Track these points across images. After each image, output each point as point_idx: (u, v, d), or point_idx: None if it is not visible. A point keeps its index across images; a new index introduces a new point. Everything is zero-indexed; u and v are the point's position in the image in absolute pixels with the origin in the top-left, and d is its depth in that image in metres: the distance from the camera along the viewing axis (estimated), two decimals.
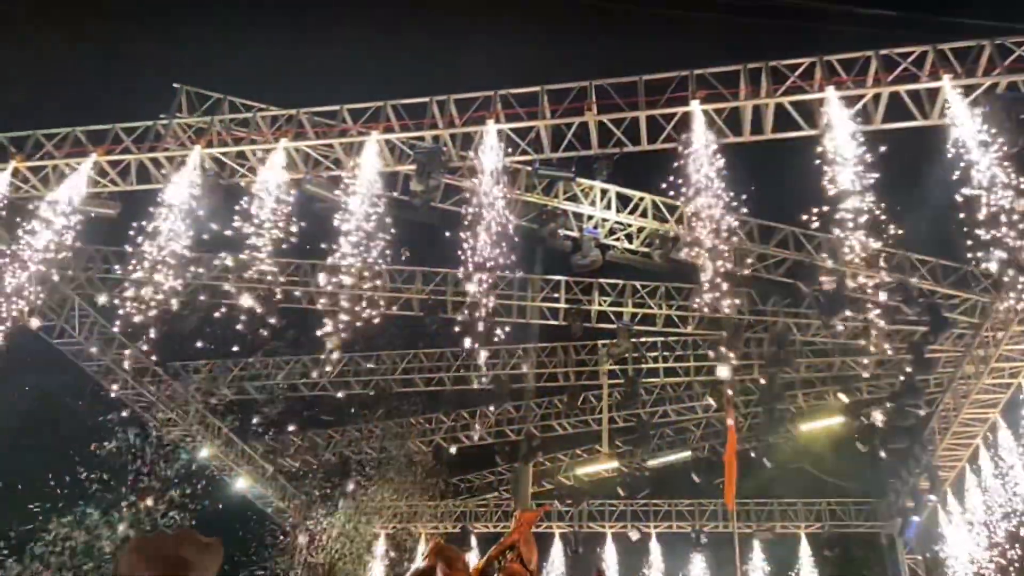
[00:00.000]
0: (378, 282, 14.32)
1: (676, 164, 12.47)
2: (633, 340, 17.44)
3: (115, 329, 16.43)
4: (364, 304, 13.95)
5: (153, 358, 17.99)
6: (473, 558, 16.35)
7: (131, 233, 13.48)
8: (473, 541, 22.19)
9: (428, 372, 19.68)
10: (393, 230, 13.64)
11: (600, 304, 16.94)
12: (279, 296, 14.25)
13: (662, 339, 18.45)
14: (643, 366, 18.72)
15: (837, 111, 12.04)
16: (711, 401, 19.32)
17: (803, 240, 14.76)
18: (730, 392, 17.36)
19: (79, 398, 20.94)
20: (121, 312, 13.65)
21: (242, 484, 22.11)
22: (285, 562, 23.48)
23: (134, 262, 13.37)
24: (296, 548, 23.69)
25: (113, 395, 18.52)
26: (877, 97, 12.24)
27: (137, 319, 13.43)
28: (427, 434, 21.86)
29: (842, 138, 11.89)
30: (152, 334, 14.28)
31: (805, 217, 13.13)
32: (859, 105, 12.23)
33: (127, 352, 17.64)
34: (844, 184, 11.76)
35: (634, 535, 22.17)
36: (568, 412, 20.84)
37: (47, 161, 14.14)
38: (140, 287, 13.28)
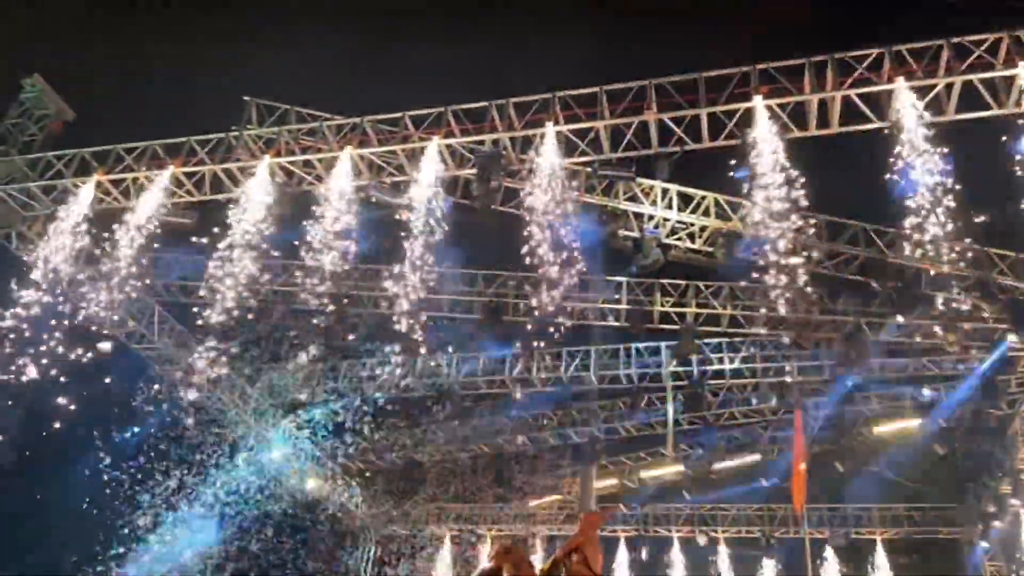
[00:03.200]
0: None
1: (739, 161, 12.29)
2: (697, 341, 17.21)
3: (190, 334, 17.11)
4: (426, 307, 14.18)
5: (225, 362, 18.60)
6: (538, 560, 16.40)
7: (207, 241, 14.09)
8: (538, 543, 22.25)
9: (491, 374, 19.82)
10: (454, 234, 13.87)
11: (662, 305, 16.77)
12: (348, 301, 14.60)
13: (727, 339, 18.15)
14: (708, 367, 18.44)
15: (907, 102, 11.68)
16: (779, 403, 18.91)
17: (874, 236, 14.34)
18: (799, 394, 16.97)
19: (156, 401, 21.90)
20: (199, 321, 14.25)
21: (312, 485, 22.68)
22: (354, 564, 23.99)
23: (210, 270, 13.90)
24: (364, 549, 24.20)
25: (189, 398, 19.28)
26: (949, 87, 11.82)
27: (213, 324, 14.00)
28: (491, 436, 21.97)
29: (913, 130, 11.53)
30: (227, 339, 14.84)
31: (876, 213, 12.80)
32: (931, 95, 11.85)
33: (202, 356, 18.33)
34: (917, 177, 11.40)
35: (701, 540, 21.86)
36: (631, 415, 20.68)
37: (127, 174, 14.84)
38: (215, 293, 13.83)
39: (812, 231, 14.06)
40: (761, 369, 18.57)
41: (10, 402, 13.95)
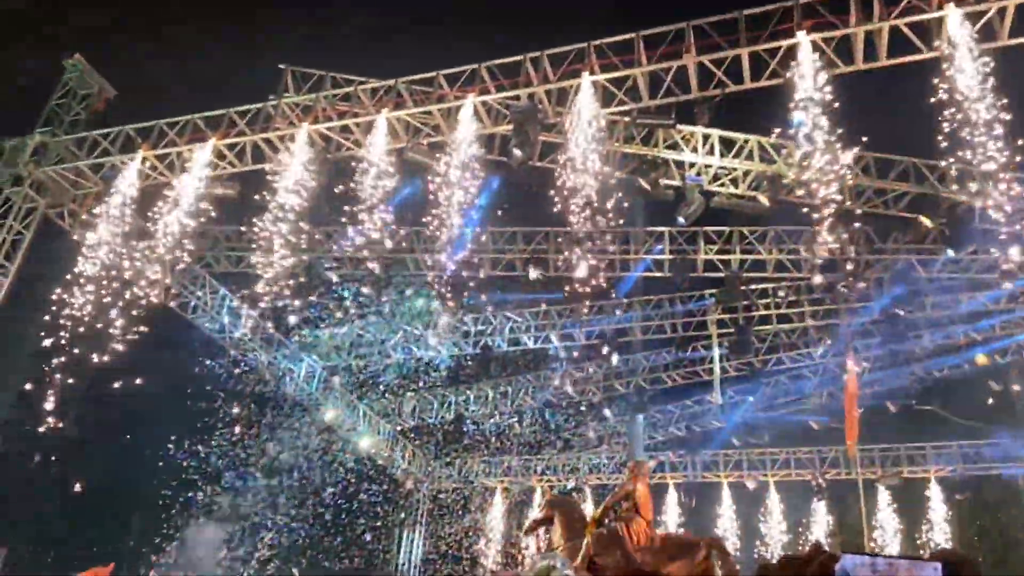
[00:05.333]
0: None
1: (783, 101, 11.98)
2: (742, 287, 17.06)
3: (241, 302, 17.56)
4: (471, 266, 14.29)
5: (271, 326, 19.06)
6: (587, 509, 16.67)
7: (251, 211, 14.33)
8: (587, 492, 22.63)
9: (535, 330, 19.98)
10: (492, 192, 13.87)
11: (706, 253, 16.62)
12: (390, 263, 14.77)
13: (773, 285, 17.95)
14: (754, 314, 18.30)
15: (958, 29, 11.20)
16: (828, 345, 18.74)
17: (925, 172, 13.93)
18: (850, 335, 16.76)
19: (213, 368, 22.63)
20: (246, 292, 14.58)
21: (365, 444, 23.31)
22: (409, 517, 24.72)
23: (256, 238, 14.14)
24: (419, 504, 24.89)
25: (244, 363, 19.88)
26: (1002, 10, 11.30)
27: (262, 291, 14.31)
28: (536, 391, 22.23)
29: (964, 58, 11.08)
30: (276, 305, 15.17)
31: (926, 147, 12.40)
32: (983, 21, 11.35)
33: (254, 322, 18.83)
34: (969, 108, 10.99)
35: (751, 484, 21.99)
36: (677, 364, 20.70)
37: (171, 148, 15.08)
38: (263, 261, 14.10)
39: (860, 169, 13.74)
40: (809, 313, 18.38)
41: (77, 379, 14.46)
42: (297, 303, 16.81)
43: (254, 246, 14.34)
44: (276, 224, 13.80)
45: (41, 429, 14.78)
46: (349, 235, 14.12)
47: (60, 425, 14.66)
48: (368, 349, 20.20)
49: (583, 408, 22.19)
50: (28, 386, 15.34)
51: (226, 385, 20.91)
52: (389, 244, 14.18)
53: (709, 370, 19.92)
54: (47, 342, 14.28)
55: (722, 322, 18.73)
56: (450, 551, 24.53)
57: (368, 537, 26.70)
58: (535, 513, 16.37)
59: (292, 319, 18.21)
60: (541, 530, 10.21)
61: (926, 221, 13.97)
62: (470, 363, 20.60)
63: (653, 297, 19.17)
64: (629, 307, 19.22)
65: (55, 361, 14.16)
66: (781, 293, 18.09)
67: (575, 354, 20.00)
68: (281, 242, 13.86)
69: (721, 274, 16.73)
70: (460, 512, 25.08)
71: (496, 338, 19.94)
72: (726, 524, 21.88)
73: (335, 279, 15.96)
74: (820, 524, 22.02)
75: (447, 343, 19.41)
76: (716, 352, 19.09)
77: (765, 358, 19.70)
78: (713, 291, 18.11)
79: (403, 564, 24.29)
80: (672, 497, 22.47)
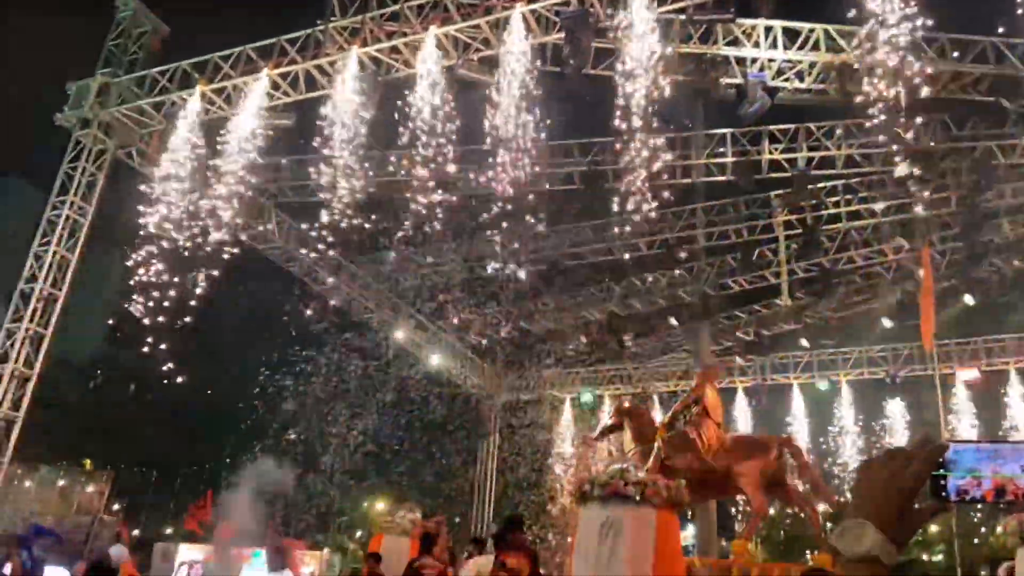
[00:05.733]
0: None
1: None
2: (810, 186, 16.53)
3: (309, 229, 17.97)
4: (528, 181, 14.19)
5: (338, 252, 19.48)
6: (656, 416, 16.93)
7: (310, 140, 14.50)
8: (655, 399, 22.91)
9: (597, 242, 19.91)
10: (547, 104, 13.60)
11: (771, 152, 16.09)
12: (450, 184, 14.81)
13: (843, 181, 17.32)
14: (823, 213, 17.77)
15: None
16: (902, 241, 18.13)
17: (1005, 51, 12.99)
18: (925, 228, 16.15)
19: (286, 297, 23.47)
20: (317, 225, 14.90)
21: (437, 361, 24.02)
22: (482, 430, 25.61)
23: (317, 166, 14.35)
24: (491, 417, 25.71)
25: (314, 290, 20.55)
26: None
27: (326, 219, 14.62)
28: (601, 302, 22.32)
29: None
30: (342, 231, 15.49)
31: (1007, 24, 11.52)
32: None
33: (320, 249, 19.30)
34: None
35: (822, 384, 21.87)
36: (743, 269, 20.39)
37: (226, 81, 15.25)
38: (325, 189, 14.34)
39: (935, 52, 12.91)
40: (881, 209, 17.73)
41: (160, 312, 15.18)
42: (363, 228, 17.11)
43: (315, 175, 14.57)
44: (335, 151, 13.94)
45: (131, 361, 15.66)
46: (414, 156, 14.16)
47: (148, 355, 15.48)
48: (436, 268, 20.53)
49: (649, 317, 22.21)
50: (113, 321, 16.21)
51: (298, 312, 21.69)
52: (452, 168, 14.18)
53: (776, 273, 19.58)
54: (131, 280, 14.99)
55: (789, 224, 18.27)
56: (523, 461, 25.44)
57: (444, 451, 27.89)
58: (605, 420, 16.73)
59: (358, 244, 18.58)
60: (611, 436, 10.44)
61: (1006, 104, 13.13)
62: (535, 278, 20.74)
63: (716, 202, 18.78)
64: (692, 213, 18.89)
65: (139, 296, 14.83)
66: (852, 189, 17.47)
67: (639, 263, 19.87)
68: (341, 169, 14.03)
69: (787, 174, 16.22)
70: (532, 423, 25.84)
71: (558, 252, 19.96)
72: (797, 426, 21.95)
73: (401, 202, 16.09)
74: (895, 422, 21.89)
75: (512, 258, 19.53)
76: (783, 254, 18.72)
77: (835, 257, 19.21)
78: (779, 192, 17.61)
79: (479, 475, 25.34)
80: (741, 401, 22.56)
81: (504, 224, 15.03)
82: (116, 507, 22.57)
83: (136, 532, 15.89)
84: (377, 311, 21.59)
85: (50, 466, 20.73)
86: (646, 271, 20.74)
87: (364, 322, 22.04)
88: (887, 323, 19.55)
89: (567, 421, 24.79)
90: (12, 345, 14.42)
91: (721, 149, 16.29)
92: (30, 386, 14.50)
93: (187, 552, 18.35)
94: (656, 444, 9.80)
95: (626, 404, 11.32)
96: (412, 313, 22.23)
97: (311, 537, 26.18)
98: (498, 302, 21.66)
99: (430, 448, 28.96)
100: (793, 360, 22.22)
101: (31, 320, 14.64)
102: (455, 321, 22.02)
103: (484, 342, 23.58)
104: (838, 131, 15.69)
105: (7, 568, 11.75)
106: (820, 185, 17.18)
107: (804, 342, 20.89)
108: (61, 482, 20.33)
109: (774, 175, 16.40)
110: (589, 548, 7.66)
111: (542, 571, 10.60)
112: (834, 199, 17.75)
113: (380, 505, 33.67)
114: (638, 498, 7.60)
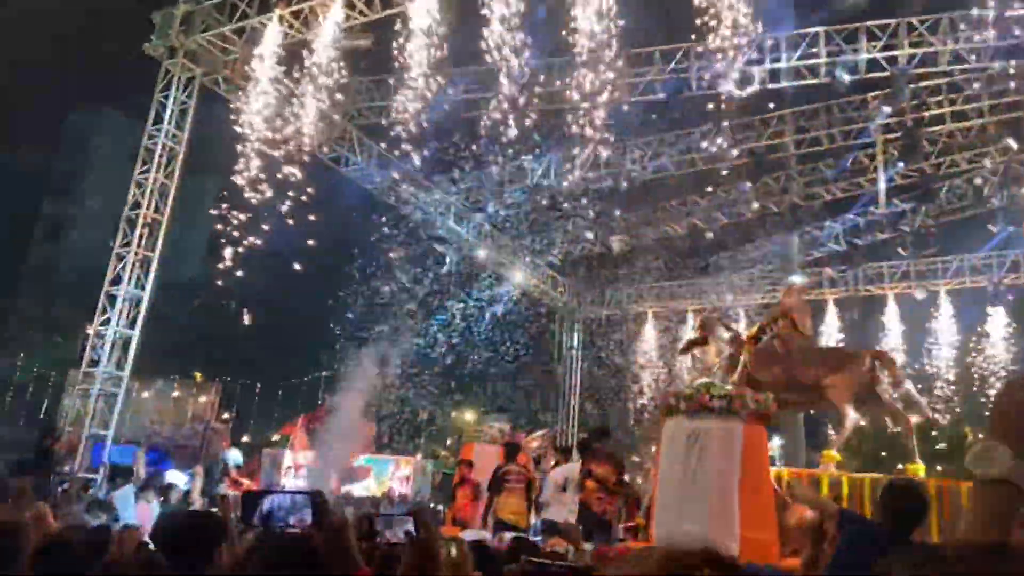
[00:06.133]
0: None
1: None
2: (911, 86, 15.47)
3: (389, 149, 18.20)
4: (609, 93, 13.83)
5: (418, 173, 19.69)
6: (743, 328, 16.75)
7: (387, 60, 14.48)
8: (741, 313, 22.61)
9: (679, 155, 19.35)
10: (626, 10, 13.07)
11: (868, 51, 15.06)
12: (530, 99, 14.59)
13: (947, 80, 16.13)
14: (924, 114, 16.67)
15: None
16: (1011, 143, 16.91)
17: None
18: None
19: (370, 217, 24.03)
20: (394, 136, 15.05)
21: (518, 279, 24.31)
22: (567, 348, 26.00)
23: (395, 86, 14.37)
24: (574, 333, 26.03)
25: (395, 211, 20.98)
26: None
27: (407, 139, 14.74)
28: (685, 216, 21.88)
29: None
30: (422, 151, 15.63)
31: None
32: None
33: (401, 171, 19.57)
34: None
35: (919, 294, 21.03)
36: (836, 176, 19.51)
37: (304, 3, 15.27)
38: (403, 109, 14.39)
39: None
40: (989, 107, 16.50)
41: (254, 233, 15.82)
42: (444, 147, 17.22)
43: (395, 95, 14.61)
44: (414, 69, 13.90)
45: (230, 280, 16.46)
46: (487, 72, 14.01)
47: (245, 275, 16.23)
48: (516, 186, 20.51)
49: (734, 229, 21.70)
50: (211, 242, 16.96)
51: (381, 233, 22.21)
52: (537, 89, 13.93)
53: (873, 180, 18.65)
54: (224, 205, 15.63)
55: (888, 127, 17.25)
56: (607, 375, 25.81)
57: (527, 366, 28.55)
58: (689, 334, 16.69)
59: (439, 164, 18.72)
60: (696, 350, 10.45)
61: None
62: (615, 192, 20.45)
63: (808, 106, 17.85)
64: (781, 119, 18.06)
65: (232, 217, 15.45)
66: (956, 88, 16.27)
67: (723, 174, 19.25)
68: (421, 89, 14.01)
69: (886, 73, 15.21)
70: (614, 338, 26.05)
71: (639, 165, 19.56)
72: (891, 339, 21.29)
73: (482, 119, 16.01)
74: (997, 333, 20.98)
75: (591, 173, 19.29)
76: (880, 159, 17.77)
77: (937, 162, 18.12)
78: (877, 93, 16.57)
79: (563, 388, 25.91)
80: (832, 314, 22.01)
81: (587, 136, 14.77)
82: (225, 416, 24.23)
83: (245, 439, 17.09)
84: (458, 229, 21.86)
85: (165, 379, 22.36)
86: (732, 182, 20.09)
87: (446, 240, 22.38)
88: (992, 229, 18.48)
89: (650, 335, 24.84)
90: (124, 268, 15.39)
91: (813, 49, 15.37)
92: (143, 306, 15.52)
93: (292, 457, 19.73)
94: (742, 357, 9.77)
95: (711, 318, 11.26)
96: (493, 231, 22.42)
97: (405, 445, 27.63)
98: (580, 217, 21.55)
99: (514, 363, 29.68)
100: (888, 270, 21.37)
101: (138, 245, 15.53)
102: (536, 238, 22.10)
103: (566, 259, 23.66)
104: (943, 24, 14.52)
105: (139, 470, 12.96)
106: (922, 84, 16.07)
107: (900, 251, 20.01)
108: (175, 393, 21.95)
109: (871, 75, 15.42)
110: (675, 460, 7.83)
111: (627, 479, 10.93)
112: (937, 99, 16.60)
113: (468, 416, 35.06)
114: (724, 411, 7.67)
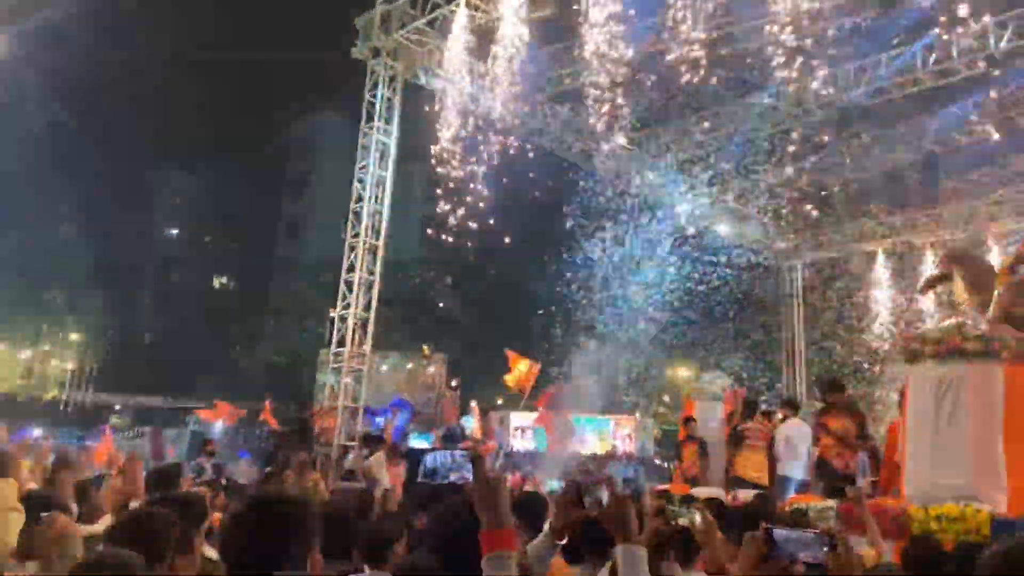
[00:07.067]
0: None
1: None
2: None
3: (580, 115, 18.23)
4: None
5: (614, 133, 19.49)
6: (993, 258, 14.89)
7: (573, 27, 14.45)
8: (989, 241, 20.09)
9: (900, 73, 17.38)
10: None
11: None
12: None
13: None
14: None
15: None
16: None
17: None
18: None
19: (570, 184, 24.30)
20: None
21: (725, 230, 23.41)
22: (786, 295, 24.72)
23: (584, 52, 14.31)
24: (794, 280, 24.64)
25: (592, 176, 21.01)
26: None
27: (599, 103, 14.67)
28: (913, 141, 19.72)
29: None
30: (616, 112, 15.47)
31: None
32: None
33: (595, 135, 19.53)
34: None
35: None
36: None
37: None
38: (595, 73, 14.31)
39: None
40: None
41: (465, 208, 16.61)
42: (639, 106, 16.91)
43: (583, 59, 14.57)
44: (602, 32, 13.77)
45: (446, 259, 17.46)
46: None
47: (459, 252, 17.14)
48: (716, 134, 19.70)
49: (976, 150, 19.19)
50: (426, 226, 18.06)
51: (584, 199, 22.35)
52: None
53: None
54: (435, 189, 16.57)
55: None
56: (834, 321, 24.21)
57: (745, 318, 27.55)
58: (930, 270, 15.17)
59: (634, 123, 18.44)
60: (940, 288, 9.47)
61: None
62: (825, 123, 18.93)
63: None
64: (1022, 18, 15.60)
65: (443, 201, 16.33)
66: None
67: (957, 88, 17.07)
68: (611, 51, 13.85)
69: None
70: (840, 283, 24.34)
71: (856, 91, 17.83)
72: None
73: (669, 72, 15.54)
74: None
75: (800, 106, 18.00)
76: None
77: None
78: None
79: (786, 338, 24.65)
80: None
81: (791, 67, 13.79)
82: (454, 383, 25.94)
83: (473, 404, 18.25)
84: (660, 185, 21.46)
85: (399, 353, 24.39)
86: (966, 95, 17.76)
87: (646, 198, 22.09)
88: None
89: (882, 276, 22.85)
90: (356, 257, 16.93)
91: None
92: (375, 289, 17.02)
93: (519, 418, 20.79)
94: (996, 291, 8.70)
95: (957, 249, 10.15)
96: (697, 183, 21.72)
97: (624, 403, 27.90)
98: (787, 156, 20.21)
99: (730, 315, 28.76)
100: None
101: (365, 234, 16.98)
102: (746, 184, 21.08)
103: (778, 202, 22.33)
104: None
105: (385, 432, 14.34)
106: None
107: None
108: (408, 365, 23.87)
109: None
110: (925, 411, 7.22)
111: (870, 433, 10.24)
112: None
113: (683, 372, 34.60)
114: (981, 354, 6.92)
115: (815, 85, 16.09)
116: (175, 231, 63.25)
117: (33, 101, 36.41)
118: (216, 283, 63.49)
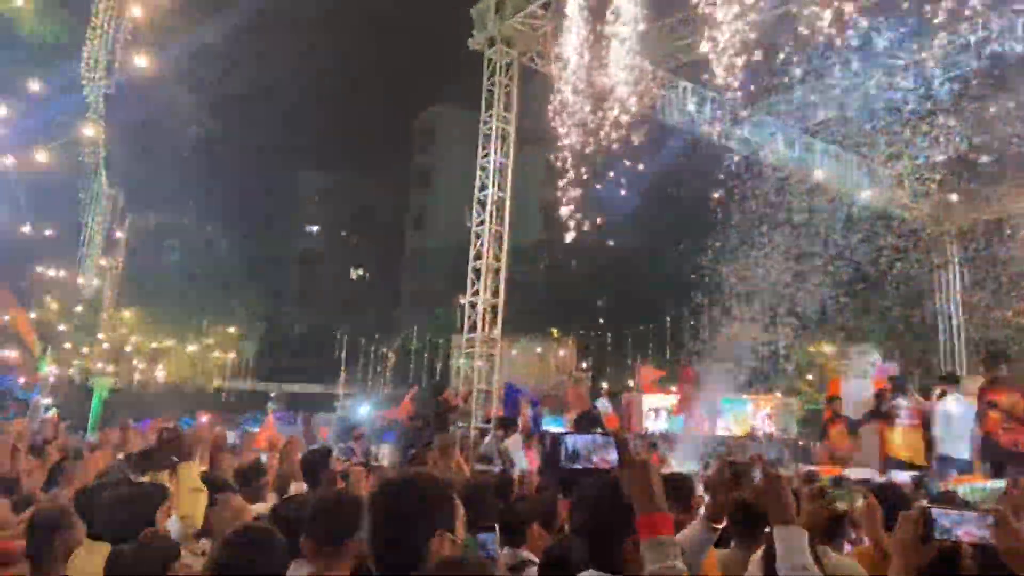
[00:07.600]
0: None
1: None
2: None
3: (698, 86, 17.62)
4: None
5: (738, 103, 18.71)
6: None
7: None
8: None
9: None
10: None
11: None
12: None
13: None
14: None
15: None
16: None
17: None
18: None
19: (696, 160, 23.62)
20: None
21: (867, 196, 21.98)
22: (939, 264, 23.00)
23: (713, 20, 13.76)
24: (947, 247, 22.88)
25: (724, 146, 20.27)
26: None
27: (720, 71, 14.06)
28: None
29: None
30: (738, 80, 14.81)
31: None
32: None
33: (719, 105, 18.84)
34: None
35: None
36: None
37: None
38: (711, 41, 13.73)
39: None
40: None
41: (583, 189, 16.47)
42: (763, 71, 16.09)
43: (702, 27, 14.03)
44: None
45: (570, 243, 17.41)
46: None
47: (582, 235, 17.02)
48: (851, 96, 18.48)
49: None
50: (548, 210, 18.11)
51: (709, 174, 21.62)
52: None
53: None
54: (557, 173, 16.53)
55: None
56: (995, 288, 22.25)
57: (893, 289, 25.80)
58: None
59: (762, 89, 17.61)
60: None
61: None
62: (973, 82, 17.33)
63: None
64: None
65: (565, 186, 16.25)
66: None
67: None
68: (722, 16, 13.26)
69: None
70: (998, 248, 22.32)
71: (1008, 43, 16.14)
72: None
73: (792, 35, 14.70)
74: None
75: (943, 63, 16.56)
76: None
77: None
78: None
79: (941, 308, 22.92)
80: None
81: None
82: (584, 365, 26.02)
83: (605, 385, 18.23)
84: (790, 154, 20.42)
85: (528, 337, 24.69)
86: None
87: (780, 169, 21.06)
88: None
89: None
90: (482, 244, 17.23)
91: None
92: (502, 275, 17.27)
93: (651, 400, 20.50)
94: None
95: None
96: (830, 147, 20.51)
97: (764, 382, 26.88)
98: (931, 116, 18.66)
99: (877, 287, 27.05)
100: None
101: (490, 221, 17.24)
102: (887, 148, 19.68)
103: (921, 164, 20.69)
104: None
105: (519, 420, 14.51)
106: None
107: None
108: (538, 349, 24.15)
109: None
110: None
111: None
112: None
113: (826, 348, 32.91)
114: None
115: (973, 39, 14.75)
116: (314, 228, 66.90)
117: (187, 116, 39.47)
118: (353, 275, 66.71)
